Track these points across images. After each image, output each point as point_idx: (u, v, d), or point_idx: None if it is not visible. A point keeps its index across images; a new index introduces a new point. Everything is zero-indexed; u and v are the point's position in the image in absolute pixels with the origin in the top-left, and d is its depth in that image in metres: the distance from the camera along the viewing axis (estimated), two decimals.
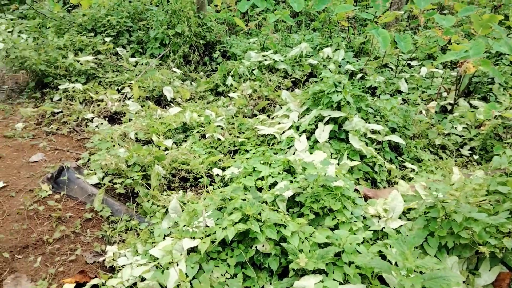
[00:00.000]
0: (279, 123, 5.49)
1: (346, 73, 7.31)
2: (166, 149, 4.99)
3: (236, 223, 3.09)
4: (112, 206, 4.16)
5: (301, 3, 9.67)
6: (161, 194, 4.22)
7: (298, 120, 5.34)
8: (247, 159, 4.57)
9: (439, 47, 7.84)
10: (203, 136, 5.49)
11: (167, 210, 3.89)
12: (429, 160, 5.41)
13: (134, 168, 4.21)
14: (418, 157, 5.38)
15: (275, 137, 5.20)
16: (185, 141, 5.39)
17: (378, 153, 4.95)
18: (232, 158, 5.22)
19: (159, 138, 5.20)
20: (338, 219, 3.38)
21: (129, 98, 6.59)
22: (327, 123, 5.01)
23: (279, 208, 3.52)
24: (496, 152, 5.62)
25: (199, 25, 8.24)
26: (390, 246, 3.22)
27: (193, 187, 4.59)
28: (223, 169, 4.68)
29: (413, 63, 8.54)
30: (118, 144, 4.93)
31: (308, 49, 7.77)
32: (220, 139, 5.29)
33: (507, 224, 3.16)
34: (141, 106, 6.32)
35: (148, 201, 3.98)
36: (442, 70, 8.06)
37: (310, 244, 3.13)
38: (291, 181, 3.83)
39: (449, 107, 6.72)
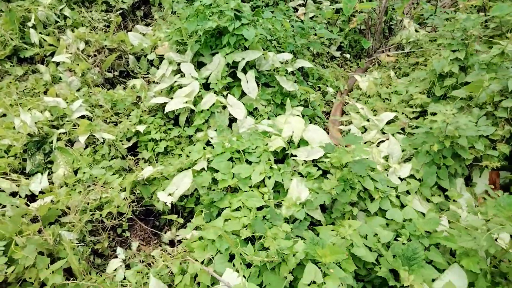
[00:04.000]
0: (172, 88, 3.96)
1: None
2: (32, 196, 2.95)
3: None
4: None
5: None
6: (98, 274, 2.55)
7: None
8: (193, 158, 3.15)
9: None
10: (71, 143, 3.50)
11: None
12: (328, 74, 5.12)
13: (44, 260, 2.28)
14: (320, 75, 5.00)
15: (185, 110, 3.76)
16: (50, 162, 3.30)
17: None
18: (136, 158, 3.59)
19: (9, 176, 2.98)
20: (376, 199, 2.78)
21: None
22: (243, 70, 3.89)
23: (316, 220, 2.62)
24: (365, 46, 5.80)
25: None
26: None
27: (121, 236, 2.96)
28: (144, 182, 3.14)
29: None
30: None
31: None
32: (105, 139, 3.47)
33: (496, 132, 3.27)
34: None
35: None
36: None
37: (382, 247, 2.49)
38: (294, 173, 2.86)
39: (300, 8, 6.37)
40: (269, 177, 2.77)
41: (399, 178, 3.15)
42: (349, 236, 2.39)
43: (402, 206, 2.88)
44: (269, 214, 2.51)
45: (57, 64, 4.39)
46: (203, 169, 2.97)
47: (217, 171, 2.93)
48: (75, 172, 3.19)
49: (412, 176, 3.21)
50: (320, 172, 2.75)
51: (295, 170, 2.94)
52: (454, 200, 3.06)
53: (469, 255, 2.36)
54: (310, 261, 2.15)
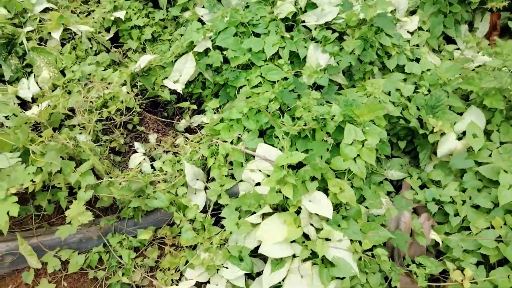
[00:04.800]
0: None
1: None
2: (21, 104, 2.66)
3: None
4: None
5: None
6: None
7: None
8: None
9: None
10: (44, 42, 3.07)
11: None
12: None
13: (69, 164, 2.16)
14: None
15: None
16: (27, 66, 2.91)
17: None
18: (123, 50, 3.25)
19: None
20: (393, 55, 2.73)
21: None
22: None
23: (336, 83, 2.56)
24: None
25: None
26: None
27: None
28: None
29: None
30: None
31: None
32: (82, 32, 3.06)
33: None
34: None
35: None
36: None
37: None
38: (307, 40, 2.69)
39: None
40: (283, 48, 2.60)
41: (407, 31, 3.07)
42: (377, 94, 2.37)
43: (415, 60, 2.86)
44: (294, 84, 2.41)
45: None
46: (208, 49, 2.74)
47: (222, 49, 2.71)
48: (62, 73, 2.86)
49: (420, 28, 3.13)
50: (336, 34, 2.60)
51: (304, 39, 2.76)
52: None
53: (489, 94, 2.44)
54: (347, 122, 2.16)
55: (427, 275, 2.07)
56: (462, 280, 1.93)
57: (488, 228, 2.08)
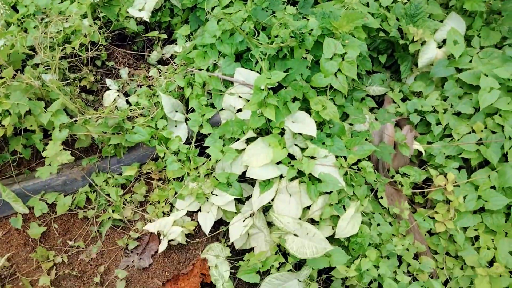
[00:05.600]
0: None
1: None
2: None
3: None
4: None
5: None
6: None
7: None
8: None
9: None
10: None
11: None
12: None
13: (38, 104, 2.03)
14: None
15: None
16: None
17: None
18: None
19: None
20: None
21: None
22: None
23: None
24: None
25: None
26: None
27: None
28: None
29: None
30: None
31: None
32: None
33: None
34: None
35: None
36: None
37: None
38: None
39: None
40: None
41: None
42: (355, 5, 2.25)
43: None
44: (267, 1, 2.26)
45: None
46: None
47: None
48: (14, 8, 2.61)
49: None
50: None
51: None
52: None
53: None
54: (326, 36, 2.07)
55: (411, 183, 2.15)
56: (445, 184, 2.01)
57: (469, 133, 2.12)
